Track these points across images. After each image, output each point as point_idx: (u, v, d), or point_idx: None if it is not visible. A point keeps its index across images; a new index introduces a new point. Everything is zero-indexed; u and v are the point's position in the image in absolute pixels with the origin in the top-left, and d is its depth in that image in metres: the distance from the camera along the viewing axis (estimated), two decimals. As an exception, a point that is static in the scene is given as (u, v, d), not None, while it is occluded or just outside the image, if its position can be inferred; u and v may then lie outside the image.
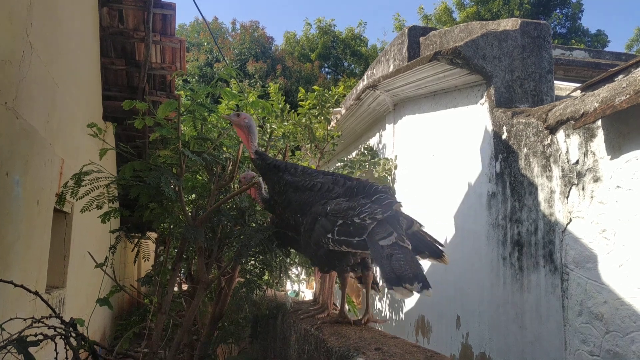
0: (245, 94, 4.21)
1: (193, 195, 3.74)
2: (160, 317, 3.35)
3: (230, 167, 3.39)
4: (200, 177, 3.77)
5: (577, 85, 5.32)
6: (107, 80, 6.59)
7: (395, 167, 6.92)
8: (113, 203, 3.32)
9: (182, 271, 4.27)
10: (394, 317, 6.51)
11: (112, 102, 6.55)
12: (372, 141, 8.01)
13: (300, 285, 9.77)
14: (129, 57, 6.32)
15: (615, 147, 3.29)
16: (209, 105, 3.29)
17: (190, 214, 3.21)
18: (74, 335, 3.00)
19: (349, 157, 8.26)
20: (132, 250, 4.19)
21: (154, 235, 5.93)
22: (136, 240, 4.16)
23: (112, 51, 6.28)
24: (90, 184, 3.08)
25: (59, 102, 4.50)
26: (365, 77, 8.74)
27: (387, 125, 7.27)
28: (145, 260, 4.13)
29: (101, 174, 3.08)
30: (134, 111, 3.24)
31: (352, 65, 25.94)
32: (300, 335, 2.51)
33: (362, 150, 7.88)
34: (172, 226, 3.69)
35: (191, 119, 3.29)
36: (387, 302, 6.85)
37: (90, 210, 3.27)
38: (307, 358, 2.31)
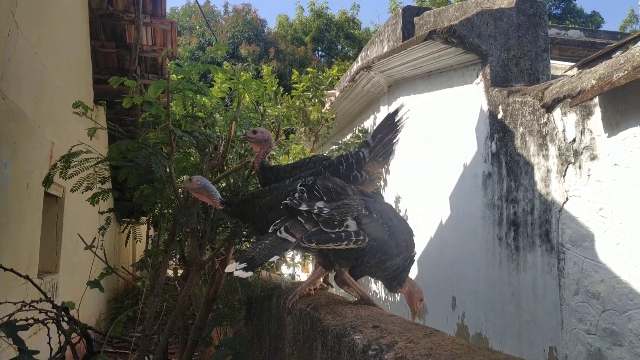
0: (238, 77, 4.12)
1: (185, 176, 3.68)
2: (152, 299, 3.31)
3: (222, 147, 3.33)
4: (192, 158, 3.71)
5: (573, 64, 5.27)
6: (98, 64, 6.51)
7: (390, 149, 6.87)
8: (103, 184, 3.26)
9: (175, 253, 4.22)
10: (390, 298, 6.51)
11: (102, 86, 6.47)
12: (367, 123, 7.95)
13: (295, 269, 9.78)
14: (119, 40, 6.24)
15: (613, 125, 3.25)
16: (198, 84, 3.22)
17: (182, 194, 3.15)
18: (65, 319, 2.97)
19: (343, 140, 8.20)
20: (123, 232, 4.15)
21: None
22: (126, 223, 4.12)
23: (102, 34, 6.19)
24: (80, 165, 3.01)
25: (47, 85, 4.41)
26: (359, 58, 8.65)
27: (382, 107, 7.21)
28: (137, 242, 4.09)
29: (91, 154, 3.01)
30: (125, 93, 3.18)
31: (346, 49, 25.77)
32: (295, 316, 2.47)
33: (357, 132, 7.83)
34: (163, 208, 3.64)
35: (181, 97, 3.22)
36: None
37: (82, 193, 3.21)
38: (303, 338, 2.28)
